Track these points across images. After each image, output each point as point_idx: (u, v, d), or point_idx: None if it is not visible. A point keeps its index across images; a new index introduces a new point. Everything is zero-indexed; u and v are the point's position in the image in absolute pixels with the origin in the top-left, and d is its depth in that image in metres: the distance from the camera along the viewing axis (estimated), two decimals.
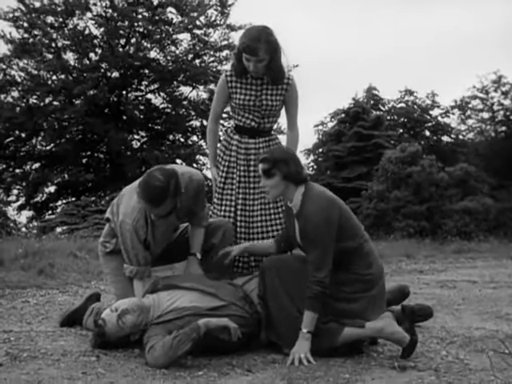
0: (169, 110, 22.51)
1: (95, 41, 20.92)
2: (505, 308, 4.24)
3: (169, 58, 21.56)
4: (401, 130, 29.96)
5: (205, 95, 21.86)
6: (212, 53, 21.61)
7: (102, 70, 20.78)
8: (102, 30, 20.69)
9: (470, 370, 2.48)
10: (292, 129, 3.56)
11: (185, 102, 22.13)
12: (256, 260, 3.43)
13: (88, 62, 20.92)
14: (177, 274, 3.34)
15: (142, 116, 22.05)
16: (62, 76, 20.66)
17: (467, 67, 49.20)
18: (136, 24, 20.69)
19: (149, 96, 22.35)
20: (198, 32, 21.30)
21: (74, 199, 20.14)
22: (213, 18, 21.28)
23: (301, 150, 26.89)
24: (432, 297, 4.87)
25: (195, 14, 20.77)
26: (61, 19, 20.44)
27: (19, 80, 20.49)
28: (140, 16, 20.84)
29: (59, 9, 20.16)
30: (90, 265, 6.35)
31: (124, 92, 21.69)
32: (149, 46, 21.13)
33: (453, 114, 30.64)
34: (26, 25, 20.19)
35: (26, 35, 20.30)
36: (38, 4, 20.04)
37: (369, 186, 20.35)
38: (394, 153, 19.89)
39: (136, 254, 2.98)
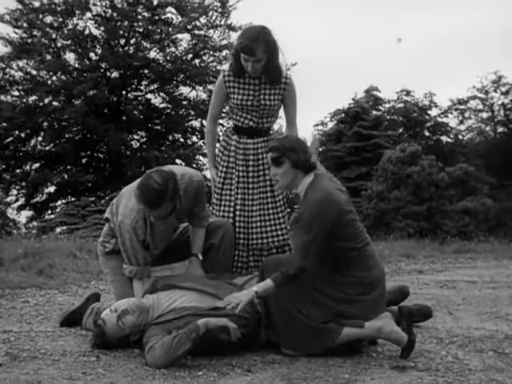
0: (168, 110, 22.49)
1: (95, 41, 20.91)
2: (504, 308, 4.24)
3: (168, 58, 21.55)
4: (400, 130, 29.95)
5: (204, 95, 21.86)
6: (212, 53, 21.61)
7: (102, 70, 20.76)
8: (101, 29, 20.69)
9: (469, 370, 2.48)
10: (291, 128, 3.55)
11: (184, 102, 22.10)
12: (255, 260, 3.43)
13: (88, 62, 20.90)
14: (176, 273, 3.35)
15: (141, 116, 22.03)
16: (62, 76, 20.65)
17: (467, 67, 49.29)
18: (136, 24, 20.67)
19: (148, 96, 22.35)
20: (198, 32, 21.31)
21: (73, 199, 20.11)
22: (213, 18, 21.29)
23: None
24: (432, 297, 4.86)
25: (196, 15, 20.77)
26: (60, 19, 20.43)
27: (19, 80, 20.49)
28: (140, 16, 20.83)
29: (59, 8, 20.15)
30: (90, 265, 6.34)
31: (124, 92, 21.68)
32: (149, 46, 21.13)
33: (451, 113, 30.67)
34: (25, 25, 20.18)
35: (24, 35, 20.28)
36: (37, 4, 20.06)
37: (368, 186, 20.33)
38: (394, 153, 19.88)
39: (135, 255, 2.98)
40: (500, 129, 29.86)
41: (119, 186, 13.55)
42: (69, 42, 20.56)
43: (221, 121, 18.45)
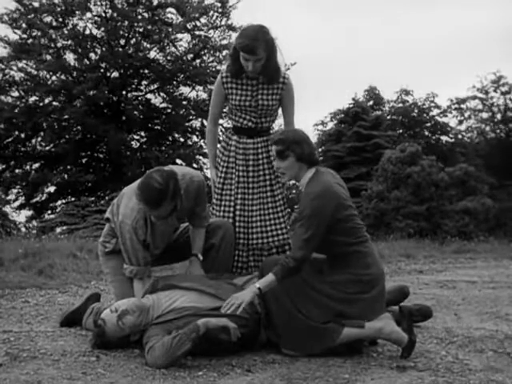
0: (169, 110, 22.49)
1: (95, 41, 20.90)
2: (504, 308, 4.24)
3: (169, 58, 21.55)
4: (400, 130, 29.94)
5: (205, 95, 21.85)
6: (212, 53, 21.60)
7: (102, 70, 20.76)
8: (101, 30, 20.68)
9: (469, 370, 2.48)
10: (289, 127, 3.55)
11: (185, 102, 22.10)
12: (255, 260, 3.43)
13: (88, 62, 20.90)
14: (176, 273, 3.34)
15: (141, 116, 22.02)
16: (62, 76, 20.65)
17: (467, 67, 49.28)
18: (136, 24, 20.67)
19: (149, 96, 22.34)
20: (197, 33, 21.31)
21: (73, 199, 20.10)
22: (213, 18, 21.29)
23: None
24: (432, 297, 4.86)
25: (196, 15, 20.77)
26: (60, 19, 20.43)
27: (19, 80, 20.48)
28: (140, 16, 20.83)
29: (58, 9, 20.15)
30: (90, 265, 6.34)
31: (124, 92, 21.66)
32: (149, 46, 21.13)
33: (450, 113, 30.66)
34: (24, 25, 20.17)
35: (24, 36, 20.28)
36: (36, 4, 20.05)
37: (368, 186, 20.31)
38: (394, 153, 19.87)
39: (136, 254, 2.98)
40: (498, 130, 29.85)
41: (119, 186, 13.56)
42: (69, 42, 20.55)
43: (221, 121, 18.45)
